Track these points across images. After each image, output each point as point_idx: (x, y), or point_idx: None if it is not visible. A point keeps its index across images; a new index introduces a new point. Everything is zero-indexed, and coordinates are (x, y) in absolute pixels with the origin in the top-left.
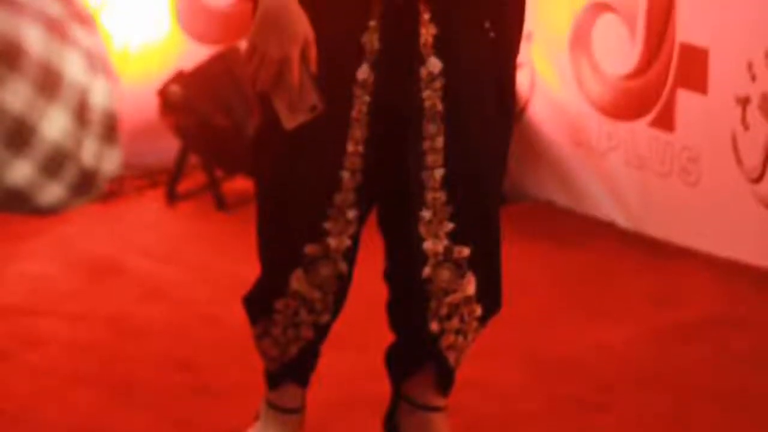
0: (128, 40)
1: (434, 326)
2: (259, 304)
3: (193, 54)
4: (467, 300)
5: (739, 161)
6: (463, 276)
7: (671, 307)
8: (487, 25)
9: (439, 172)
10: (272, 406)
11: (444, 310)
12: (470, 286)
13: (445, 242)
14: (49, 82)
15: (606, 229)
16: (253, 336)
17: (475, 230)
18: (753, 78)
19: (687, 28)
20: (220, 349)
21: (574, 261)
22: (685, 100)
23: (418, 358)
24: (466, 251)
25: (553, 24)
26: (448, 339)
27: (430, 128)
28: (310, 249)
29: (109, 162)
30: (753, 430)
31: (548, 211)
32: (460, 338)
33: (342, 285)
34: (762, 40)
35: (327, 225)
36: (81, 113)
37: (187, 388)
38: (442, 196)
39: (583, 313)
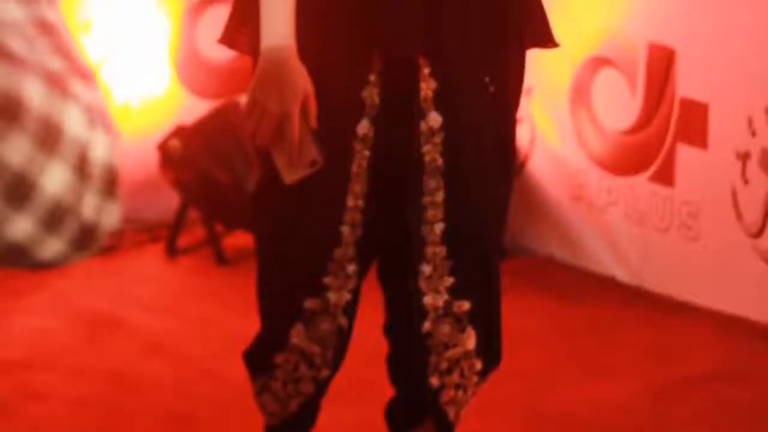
0: (129, 94)
1: (434, 381)
2: (259, 358)
3: (193, 109)
4: (467, 354)
5: (739, 216)
6: (463, 330)
7: (671, 362)
8: (487, 79)
9: (439, 227)
10: None
11: (444, 365)
12: (470, 341)
13: (446, 297)
14: (49, 137)
15: (606, 284)
16: (254, 391)
17: (475, 285)
18: (753, 133)
19: (687, 83)
20: (221, 404)
21: (574, 315)
22: (685, 155)
23: (418, 412)
24: (466, 305)
25: (553, 78)
26: (448, 394)
27: (430, 183)
28: (310, 304)
29: (110, 216)
30: None
31: (548, 266)
32: (460, 393)
33: (342, 339)
34: (762, 95)
35: (327, 280)
36: (81, 168)
37: None
38: (442, 250)
39: (583, 367)
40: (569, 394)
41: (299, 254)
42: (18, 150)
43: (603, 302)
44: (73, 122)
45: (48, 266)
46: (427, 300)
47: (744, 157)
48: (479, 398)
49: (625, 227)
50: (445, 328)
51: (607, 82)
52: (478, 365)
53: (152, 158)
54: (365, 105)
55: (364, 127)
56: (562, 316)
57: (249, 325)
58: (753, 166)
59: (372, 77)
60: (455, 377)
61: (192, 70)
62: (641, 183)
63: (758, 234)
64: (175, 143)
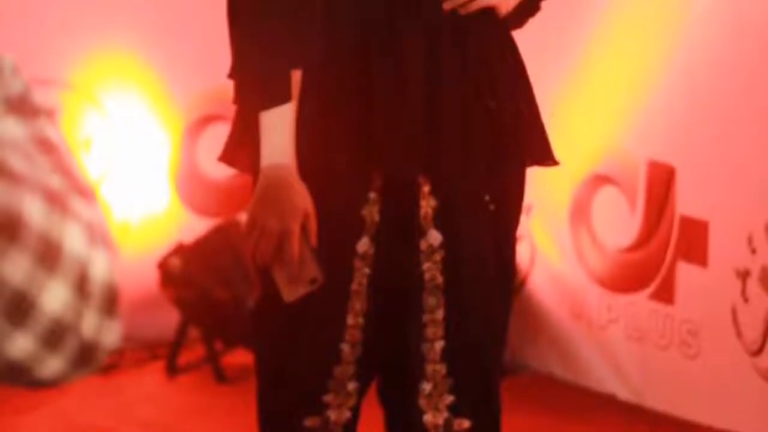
0: (128, 212)
1: None
2: None
3: (193, 227)
4: None
5: (739, 334)
6: None
7: None
8: (487, 197)
9: (439, 345)
10: None
11: None
12: None
13: (446, 415)
14: (49, 255)
15: (606, 402)
16: None
17: (475, 403)
18: (753, 251)
19: (687, 201)
20: None
21: None
22: (685, 273)
23: None
24: (466, 424)
25: (553, 196)
26: None
27: (430, 301)
28: (310, 422)
29: (109, 334)
30: None
31: (548, 384)
32: None
33: None
34: (762, 213)
35: (327, 398)
36: (81, 286)
37: None
38: (442, 368)
39: None
40: None
41: (299, 372)
42: (18, 267)
43: (604, 420)
44: (73, 240)
45: (48, 384)
46: (427, 418)
47: (744, 275)
48: None
49: (625, 345)
50: None
51: (606, 199)
52: None
53: (152, 276)
54: (365, 223)
55: (364, 244)
56: None
57: None
58: (753, 284)
59: (372, 195)
60: None
61: (192, 188)
62: (641, 301)
63: (758, 352)
64: (175, 261)
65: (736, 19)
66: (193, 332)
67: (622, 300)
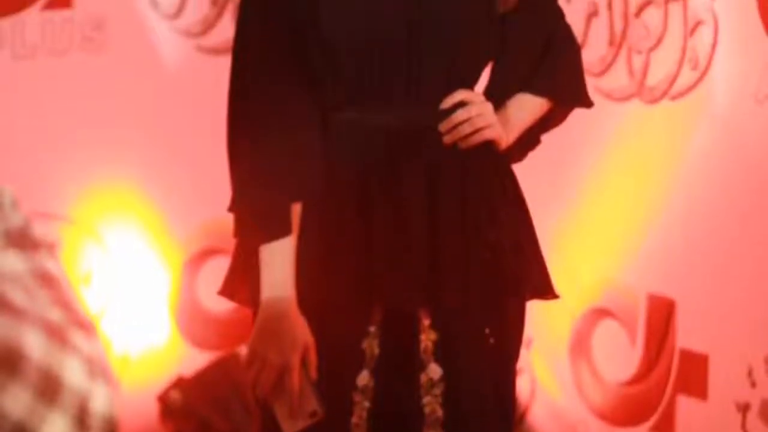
0: (128, 345)
1: None
2: None
3: (194, 360)
4: None
5: None
6: None
7: None
8: (487, 331)
9: None
10: None
11: None
12: None
13: None
14: (49, 388)
15: None
16: None
17: None
18: (753, 384)
19: (687, 334)
20: None
21: None
22: (685, 406)
23: None
24: None
25: (553, 330)
26: None
27: None
28: None
29: None
30: None
31: None
32: None
33: None
34: (762, 346)
35: None
36: (81, 419)
37: None
38: None
39: None
40: None
41: None
42: (18, 401)
43: None
44: (73, 373)
45: None
46: None
47: (744, 408)
48: None
49: None
50: None
51: (607, 333)
52: None
53: (152, 409)
54: (365, 356)
55: (364, 378)
56: None
57: None
58: (753, 417)
59: (372, 328)
60: None
61: (192, 322)
62: None
63: None
64: (175, 394)
65: (734, 157)
66: None
67: None
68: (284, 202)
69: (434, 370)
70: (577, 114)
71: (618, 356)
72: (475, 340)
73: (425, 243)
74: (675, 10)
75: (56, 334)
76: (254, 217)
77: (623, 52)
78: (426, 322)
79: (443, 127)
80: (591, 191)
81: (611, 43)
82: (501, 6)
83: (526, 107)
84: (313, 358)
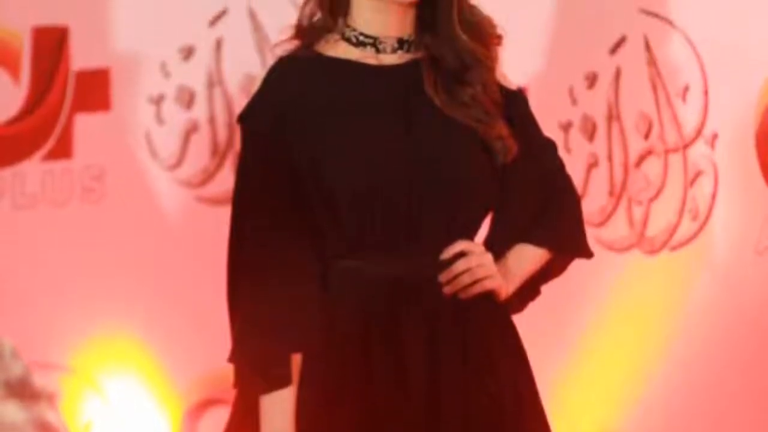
0: None
1: None
2: None
3: None
4: None
5: None
6: None
7: None
8: None
9: None
10: None
11: None
12: None
13: None
14: None
15: None
16: None
17: None
18: None
19: None
20: None
21: None
22: None
23: None
24: None
25: None
26: None
27: None
28: None
29: None
30: None
31: None
32: None
33: None
34: None
35: None
36: None
37: None
38: None
39: None
40: None
41: None
42: None
43: None
44: None
45: None
46: None
47: None
48: None
49: None
50: None
51: None
52: None
53: None
54: None
55: None
56: None
57: None
58: None
59: None
60: None
61: None
62: None
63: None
64: None
65: (734, 311)
66: None
67: None
68: (283, 352)
69: None
70: (577, 264)
71: None
72: None
73: (425, 394)
74: (675, 160)
75: None
76: (253, 368)
77: (623, 203)
78: None
79: (443, 277)
80: (591, 341)
81: (611, 193)
82: (502, 157)
83: (527, 258)
84: None
